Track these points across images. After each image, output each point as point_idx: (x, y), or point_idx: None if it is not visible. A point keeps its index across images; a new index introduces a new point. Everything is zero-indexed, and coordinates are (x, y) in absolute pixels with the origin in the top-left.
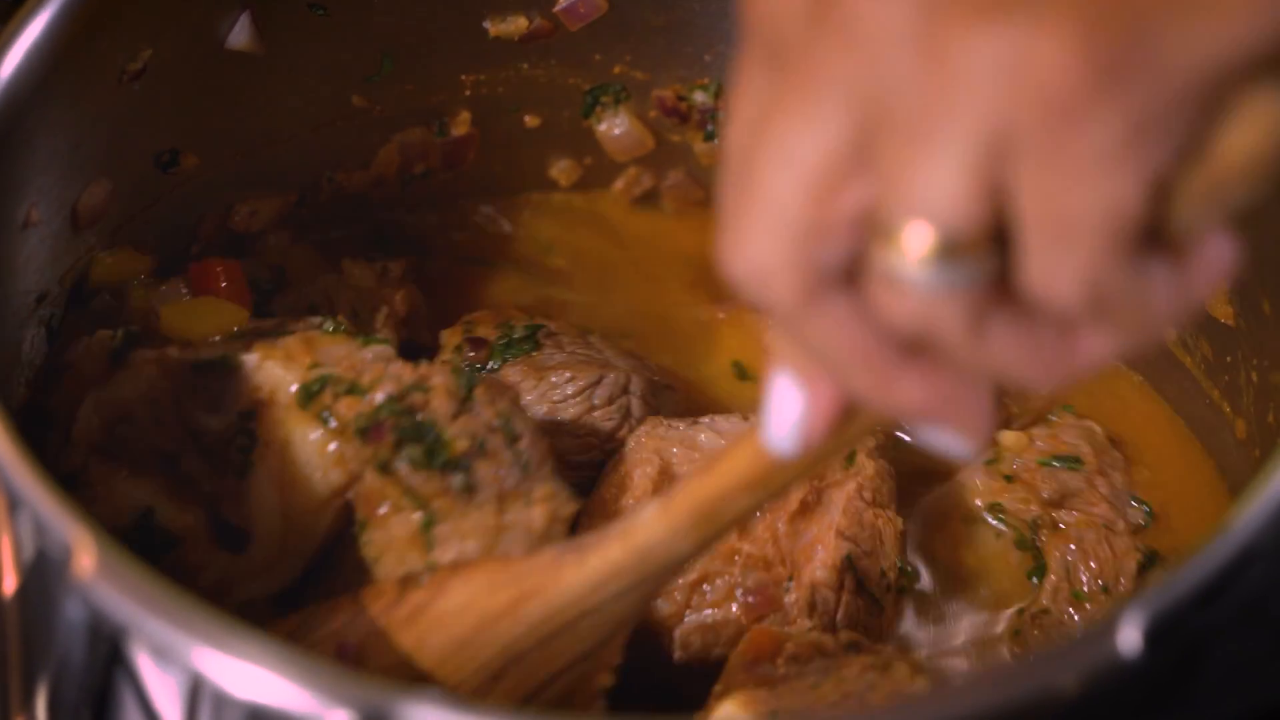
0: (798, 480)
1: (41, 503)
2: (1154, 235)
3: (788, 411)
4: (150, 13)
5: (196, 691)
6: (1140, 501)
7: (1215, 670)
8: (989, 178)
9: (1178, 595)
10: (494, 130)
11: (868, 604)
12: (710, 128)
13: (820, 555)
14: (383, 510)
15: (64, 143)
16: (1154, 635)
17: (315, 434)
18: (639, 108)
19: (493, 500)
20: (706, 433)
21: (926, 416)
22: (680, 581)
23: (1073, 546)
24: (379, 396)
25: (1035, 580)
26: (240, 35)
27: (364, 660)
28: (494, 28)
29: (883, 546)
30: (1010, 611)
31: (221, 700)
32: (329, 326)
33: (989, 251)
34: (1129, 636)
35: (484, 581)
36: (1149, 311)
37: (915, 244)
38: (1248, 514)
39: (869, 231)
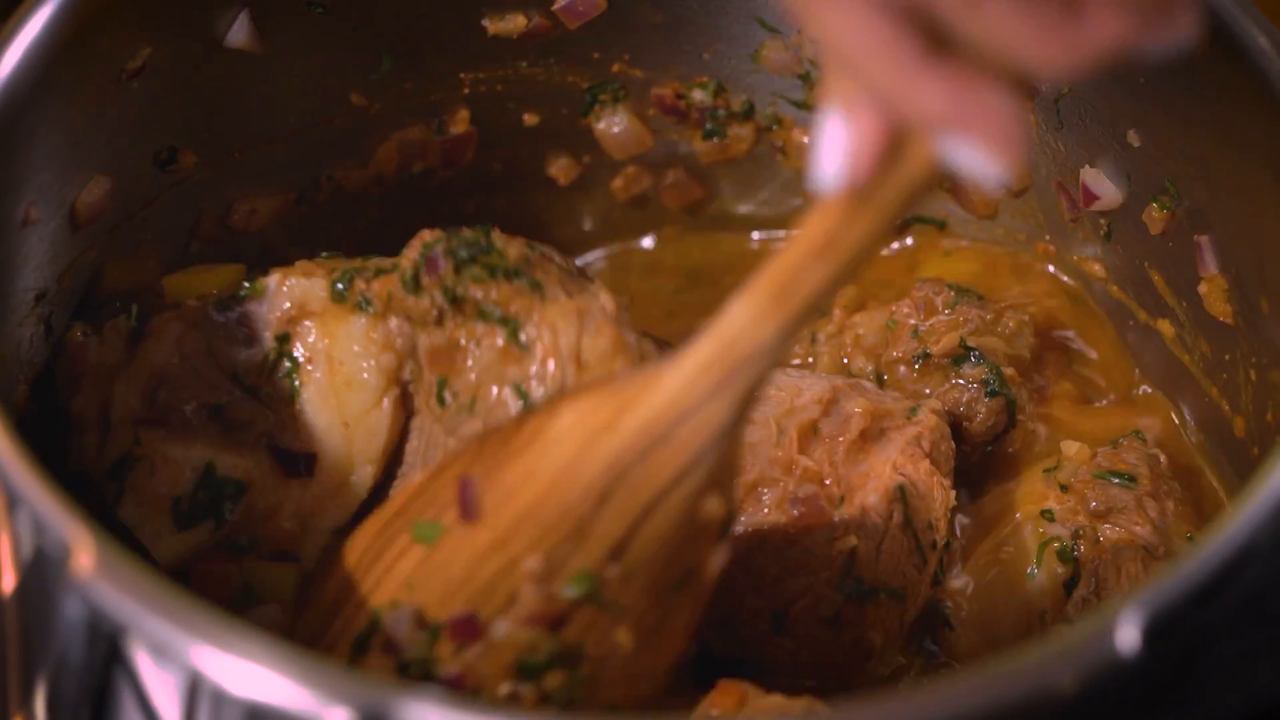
0: (865, 249)
1: (40, 501)
2: None
3: (836, 143)
4: (149, 11)
5: (195, 689)
6: (1192, 537)
7: (1213, 669)
8: None
9: (1176, 594)
10: (493, 128)
11: (911, 546)
12: (709, 126)
13: (874, 483)
14: (460, 355)
15: (63, 141)
16: (1152, 634)
17: (358, 325)
18: (638, 106)
19: (561, 293)
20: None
21: (953, 122)
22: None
23: (1107, 561)
24: (413, 255)
25: (1069, 592)
26: (239, 33)
27: (483, 494)
28: (493, 26)
29: (933, 502)
30: (1035, 618)
31: (220, 698)
32: (324, 255)
33: None
34: (1127, 635)
35: (589, 402)
36: None
37: None
38: (1245, 513)
39: None
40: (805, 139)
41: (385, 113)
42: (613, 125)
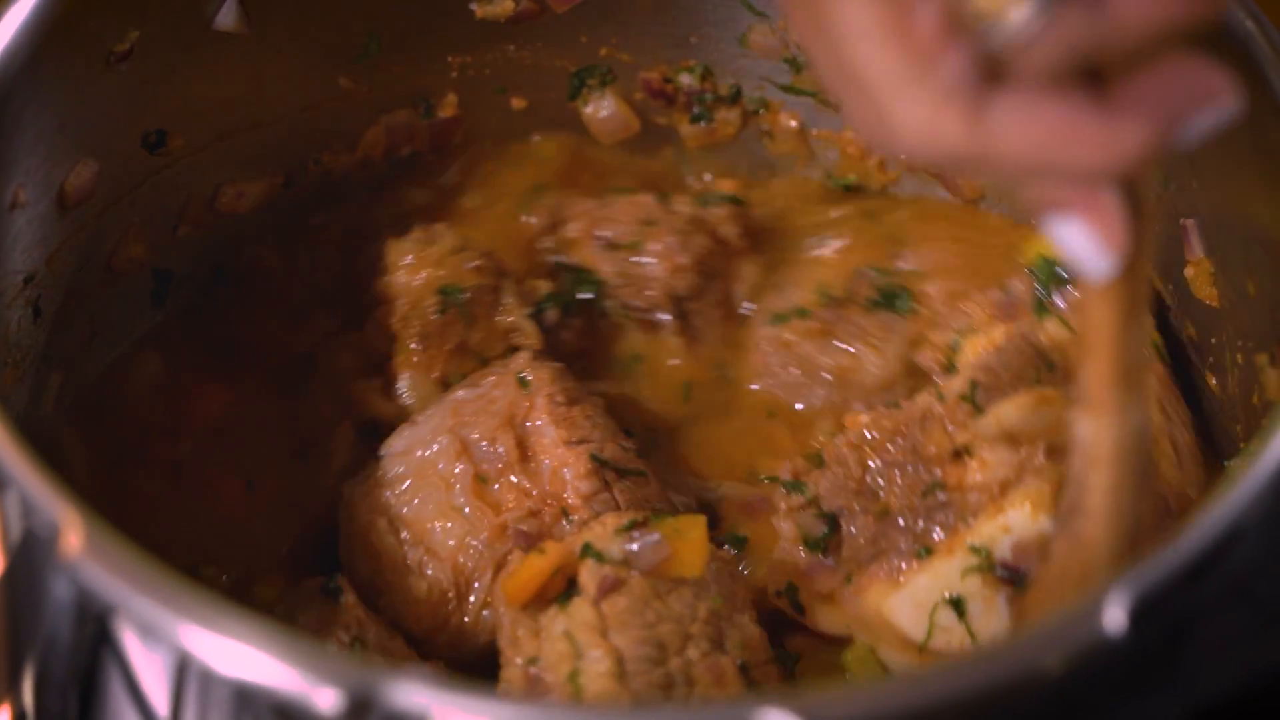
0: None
1: (29, 481)
2: None
3: (1081, 238)
4: None
5: (184, 670)
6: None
7: (1199, 649)
8: None
9: (1163, 574)
10: (480, 112)
11: (635, 481)
12: (696, 110)
13: (569, 475)
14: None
15: (51, 124)
16: (1139, 614)
17: None
18: (625, 90)
19: None
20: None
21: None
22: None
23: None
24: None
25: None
26: (227, 16)
27: None
28: (480, 9)
29: (604, 430)
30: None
31: (209, 679)
32: None
33: None
34: (1114, 616)
35: None
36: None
37: None
38: (1233, 494)
39: (963, 26)
40: (792, 123)
41: (373, 96)
42: (600, 109)
